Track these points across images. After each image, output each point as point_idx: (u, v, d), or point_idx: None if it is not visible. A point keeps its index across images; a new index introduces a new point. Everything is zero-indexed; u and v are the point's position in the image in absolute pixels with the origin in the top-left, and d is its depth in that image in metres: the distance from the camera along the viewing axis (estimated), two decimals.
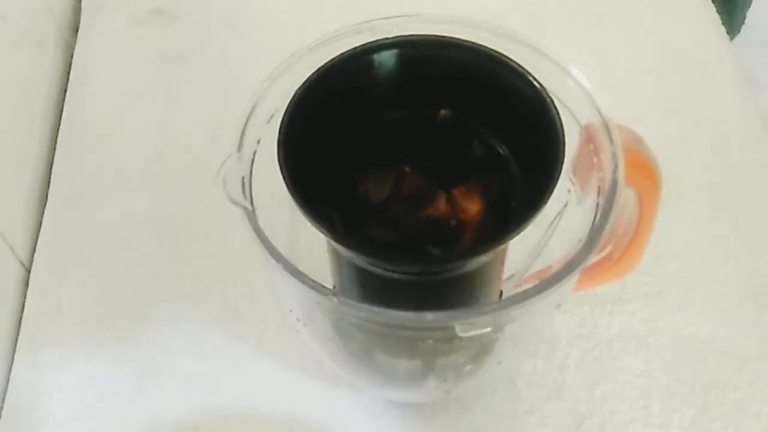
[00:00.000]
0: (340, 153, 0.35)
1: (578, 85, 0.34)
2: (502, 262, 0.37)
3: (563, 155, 0.31)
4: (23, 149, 0.55)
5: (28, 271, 0.50)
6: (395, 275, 0.32)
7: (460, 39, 0.34)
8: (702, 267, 0.49)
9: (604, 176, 0.32)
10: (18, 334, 0.48)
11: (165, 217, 0.52)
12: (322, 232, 0.31)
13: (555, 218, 0.36)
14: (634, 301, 0.47)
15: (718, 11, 0.62)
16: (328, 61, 0.34)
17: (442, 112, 0.36)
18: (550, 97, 0.32)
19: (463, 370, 0.39)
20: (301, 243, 0.32)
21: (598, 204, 0.32)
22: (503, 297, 0.39)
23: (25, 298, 0.49)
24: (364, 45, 0.34)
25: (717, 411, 0.44)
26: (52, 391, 0.45)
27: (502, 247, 0.34)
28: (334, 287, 0.38)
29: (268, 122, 0.34)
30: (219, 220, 0.51)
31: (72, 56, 0.62)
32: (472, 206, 0.35)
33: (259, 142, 0.34)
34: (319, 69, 0.34)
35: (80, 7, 0.65)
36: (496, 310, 0.29)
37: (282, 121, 0.32)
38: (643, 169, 0.33)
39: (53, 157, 0.56)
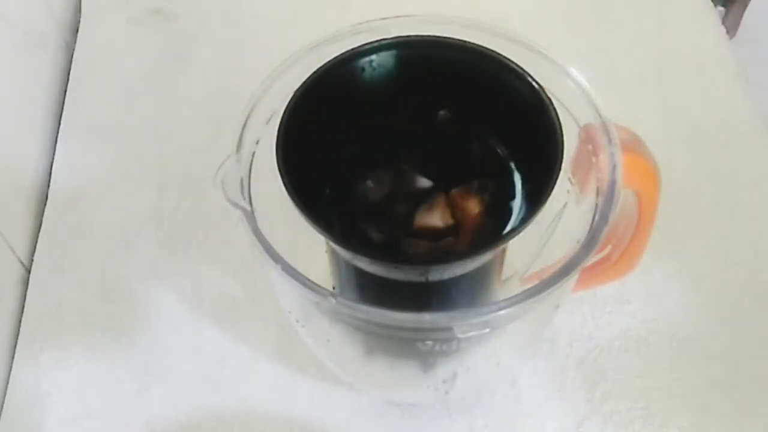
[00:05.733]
0: (338, 154, 0.35)
1: (577, 86, 0.34)
2: (502, 262, 0.37)
3: (562, 156, 0.31)
4: (23, 149, 0.55)
5: (28, 271, 0.50)
6: (394, 276, 0.32)
7: (458, 39, 0.34)
8: (702, 267, 0.49)
9: (602, 177, 0.32)
10: (18, 334, 0.48)
11: (165, 217, 0.52)
12: (321, 234, 0.31)
13: (554, 218, 0.36)
14: (634, 301, 0.47)
15: None
16: (327, 62, 0.34)
17: (442, 112, 0.36)
18: (548, 98, 0.32)
19: (463, 370, 0.39)
20: (300, 244, 0.32)
21: (596, 204, 0.32)
22: (503, 297, 0.39)
23: (25, 298, 0.49)
24: (362, 46, 0.34)
25: (717, 411, 0.44)
26: (52, 391, 0.45)
27: (501, 247, 0.34)
28: (333, 288, 0.38)
29: (267, 123, 0.34)
30: (219, 220, 0.51)
31: (72, 56, 0.62)
32: (472, 207, 0.35)
33: (258, 143, 0.34)
34: (317, 70, 0.34)
35: (80, 7, 0.65)
36: (494, 311, 0.29)
37: (280, 122, 0.32)
38: (642, 169, 0.33)
39: (53, 157, 0.56)
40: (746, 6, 0.91)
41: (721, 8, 0.61)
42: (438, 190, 0.36)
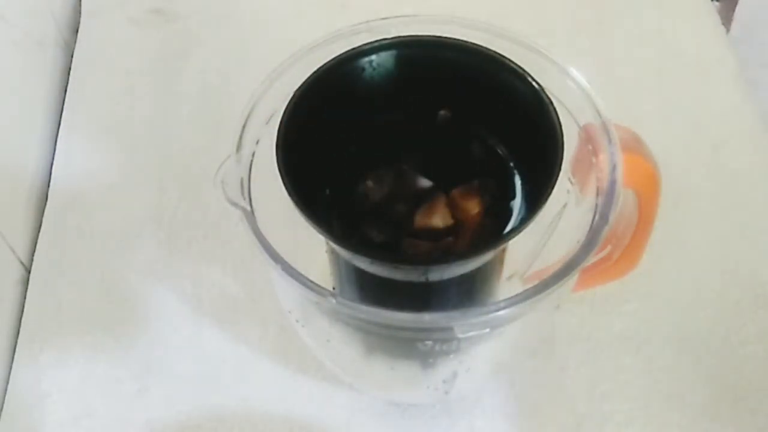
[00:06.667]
0: (338, 154, 0.35)
1: (577, 86, 0.34)
2: (502, 262, 0.37)
3: (562, 156, 0.31)
4: (23, 149, 0.55)
5: (28, 271, 0.50)
6: (394, 276, 0.32)
7: (458, 39, 0.34)
8: (702, 267, 0.49)
9: (602, 177, 0.32)
10: (18, 334, 0.48)
11: (165, 217, 0.52)
12: (321, 234, 0.31)
13: (554, 218, 0.36)
14: (634, 301, 0.47)
15: None
16: (327, 62, 0.34)
17: (442, 112, 0.36)
18: (548, 98, 0.32)
19: (463, 370, 0.39)
20: (300, 244, 0.32)
21: (596, 204, 0.32)
22: (503, 297, 0.39)
23: (25, 298, 0.49)
24: (362, 46, 0.34)
25: (717, 411, 0.44)
26: (52, 391, 0.45)
27: (501, 247, 0.34)
28: (333, 288, 0.38)
29: (267, 123, 0.34)
30: (219, 220, 0.51)
31: (72, 56, 0.62)
32: (472, 207, 0.35)
33: (258, 143, 0.34)
34: (317, 70, 0.34)
35: (80, 7, 0.65)
36: (494, 311, 0.29)
37: (280, 122, 0.32)
38: (642, 169, 0.33)
39: (53, 157, 0.56)
40: None
41: (716, 2, 0.62)
42: (438, 190, 0.36)
